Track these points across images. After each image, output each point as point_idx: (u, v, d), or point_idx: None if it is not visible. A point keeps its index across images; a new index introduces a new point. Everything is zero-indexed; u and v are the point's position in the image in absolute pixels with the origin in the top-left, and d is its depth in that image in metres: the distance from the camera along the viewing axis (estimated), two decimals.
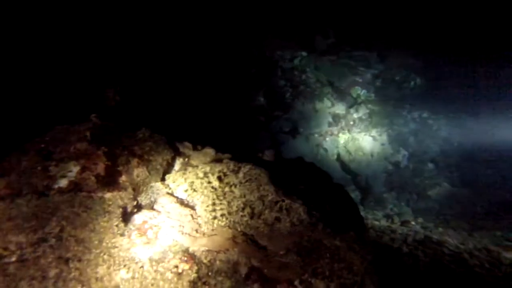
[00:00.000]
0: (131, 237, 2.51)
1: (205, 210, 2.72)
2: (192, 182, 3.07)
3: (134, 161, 3.08)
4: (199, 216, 2.71)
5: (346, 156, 16.48)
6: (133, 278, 2.21)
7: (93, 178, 2.71)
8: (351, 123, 17.38)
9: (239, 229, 2.66)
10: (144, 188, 3.08)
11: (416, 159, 17.04)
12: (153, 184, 3.18)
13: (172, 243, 2.53)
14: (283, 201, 2.68)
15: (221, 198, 2.78)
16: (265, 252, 2.60)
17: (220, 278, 2.43)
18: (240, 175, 2.83)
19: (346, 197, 4.25)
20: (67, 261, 2.22)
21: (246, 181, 2.78)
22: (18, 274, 2.08)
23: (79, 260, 2.24)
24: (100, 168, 2.81)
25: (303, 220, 2.75)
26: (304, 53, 17.50)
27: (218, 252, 2.57)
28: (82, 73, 3.83)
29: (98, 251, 2.32)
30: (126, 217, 2.69)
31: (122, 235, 2.51)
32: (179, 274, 2.34)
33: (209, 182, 2.94)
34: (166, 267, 2.36)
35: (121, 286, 2.15)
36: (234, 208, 2.70)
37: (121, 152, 3.04)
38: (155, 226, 2.62)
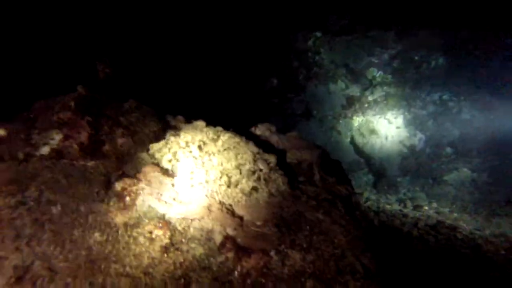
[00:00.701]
0: (110, 204, 2.53)
1: (183, 178, 2.70)
2: (175, 152, 3.04)
3: (119, 131, 3.08)
4: (177, 185, 2.69)
5: (360, 139, 16.07)
6: (106, 241, 2.24)
7: (75, 146, 2.74)
8: (366, 105, 16.82)
9: (216, 198, 2.62)
10: (129, 158, 3.09)
11: (434, 143, 16.33)
12: (139, 154, 3.18)
13: (148, 209, 2.54)
14: (261, 170, 2.60)
15: (200, 167, 2.74)
16: (241, 221, 2.56)
17: (193, 245, 2.43)
18: (219, 143, 2.77)
19: (342, 175, 4.11)
20: (42, 223, 2.27)
21: (225, 149, 2.72)
22: None
23: (54, 223, 2.29)
24: (84, 137, 2.83)
25: (283, 191, 2.67)
26: (318, 34, 16.87)
27: (193, 219, 2.56)
28: (73, 47, 3.84)
29: (75, 215, 2.36)
30: (107, 184, 2.71)
31: (101, 201, 2.54)
32: (152, 239, 2.36)
33: (190, 152, 2.90)
34: (139, 232, 2.37)
35: (93, 248, 2.19)
36: (212, 177, 2.65)
37: (106, 122, 3.05)
38: (134, 193, 2.63)
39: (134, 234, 2.35)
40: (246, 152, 2.64)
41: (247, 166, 2.59)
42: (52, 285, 2.03)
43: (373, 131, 16.28)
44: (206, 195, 2.65)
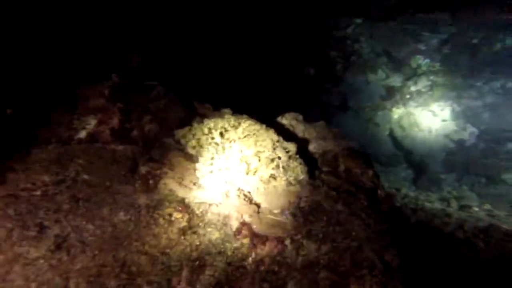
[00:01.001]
0: (135, 185, 2.71)
1: (204, 164, 2.78)
2: (199, 139, 3.14)
3: (147, 118, 3.25)
4: (198, 170, 2.78)
5: (399, 132, 15.14)
6: (130, 220, 2.41)
7: (107, 131, 2.96)
8: (408, 96, 15.73)
9: (234, 184, 2.66)
10: (156, 143, 3.25)
11: (491, 137, 14.77)
12: (165, 140, 3.33)
13: (169, 193, 2.66)
14: (279, 158, 2.58)
15: (220, 153, 2.79)
16: (258, 209, 2.58)
17: (209, 229, 2.51)
18: (239, 130, 2.79)
19: (369, 167, 3.92)
20: (77, 200, 2.51)
21: (245, 136, 2.73)
22: (39, 204, 2.43)
23: (87, 201, 2.52)
24: (115, 122, 3.04)
25: (301, 181, 2.63)
26: (358, 20, 15.98)
27: (211, 204, 2.64)
28: (107, 38, 4.10)
29: (104, 195, 2.56)
30: (134, 167, 2.89)
31: (127, 183, 2.72)
32: (171, 221, 2.48)
33: (213, 138, 2.97)
34: (160, 213, 2.51)
35: (118, 225, 2.37)
36: (231, 164, 2.70)
37: (135, 108, 3.23)
38: (157, 177, 2.78)
39: (155, 215, 2.49)
40: (265, 139, 2.63)
41: (266, 154, 2.59)
42: (83, 255, 2.24)
43: (414, 124, 15.23)
44: (226, 181, 2.70)
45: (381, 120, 16.20)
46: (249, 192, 2.65)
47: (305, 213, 2.59)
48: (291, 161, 2.58)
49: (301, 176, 2.58)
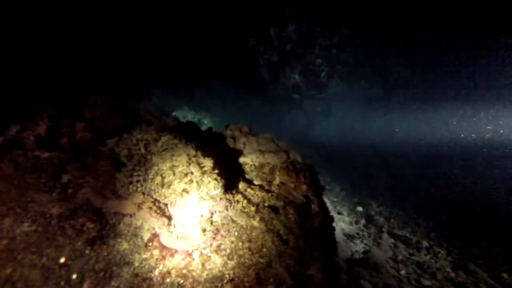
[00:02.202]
0: (53, 194, 2.71)
1: (125, 175, 2.80)
2: (130, 149, 3.16)
3: (80, 125, 3.26)
4: (118, 180, 2.81)
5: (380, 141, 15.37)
6: (34, 231, 2.42)
7: (32, 137, 2.96)
8: (389, 106, 16.02)
9: (151, 196, 2.70)
10: (89, 152, 3.26)
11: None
12: (99, 148, 3.35)
13: (85, 202, 2.68)
14: (192, 173, 2.62)
15: (141, 165, 2.83)
16: (170, 221, 2.62)
17: (119, 240, 2.54)
18: (159, 144, 2.83)
19: (305, 181, 3.99)
20: None
21: (163, 150, 2.77)
22: None
23: None
24: (42, 129, 3.04)
25: (214, 196, 2.68)
26: (345, 31, 16.21)
27: (125, 215, 2.67)
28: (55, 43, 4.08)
29: (12, 204, 2.56)
30: (57, 176, 2.90)
31: (46, 191, 2.73)
32: (81, 232, 2.50)
33: (139, 149, 3.00)
34: (71, 223, 2.53)
35: (17, 237, 2.37)
36: (150, 176, 2.73)
37: (68, 115, 3.24)
38: (78, 185, 2.79)
39: (66, 225, 2.50)
40: (181, 154, 2.67)
41: (180, 168, 2.63)
42: None
43: (395, 133, 15.49)
44: (143, 193, 2.73)
45: (363, 128, 16.44)
46: (163, 205, 2.69)
47: (216, 228, 2.64)
48: (205, 176, 2.63)
49: (214, 191, 2.63)
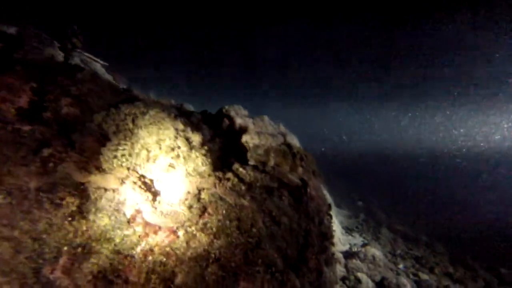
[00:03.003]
0: (31, 168, 2.58)
1: (109, 149, 2.67)
2: (118, 125, 3.03)
3: (66, 100, 3.12)
4: (103, 155, 2.67)
5: None
6: (8, 204, 2.28)
7: (12, 110, 2.81)
8: None
9: (136, 171, 2.56)
10: (75, 127, 3.12)
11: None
12: (87, 124, 3.20)
13: (66, 176, 2.55)
14: (179, 148, 2.48)
15: (127, 139, 2.69)
16: (155, 197, 2.48)
17: (100, 215, 2.41)
18: (146, 117, 2.68)
19: (301, 164, 3.85)
20: None
21: (150, 123, 2.63)
22: None
23: None
24: (24, 101, 2.89)
25: (202, 172, 2.54)
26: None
27: (107, 190, 2.53)
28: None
29: None
30: (39, 149, 2.76)
31: (24, 165, 2.59)
32: (59, 206, 2.37)
33: (127, 124, 2.86)
34: (49, 197, 2.39)
35: None
36: (135, 150, 2.59)
37: (54, 90, 3.10)
38: (60, 160, 2.66)
39: (43, 199, 2.37)
40: (169, 128, 2.52)
41: (167, 142, 2.48)
42: None
43: None
44: (128, 168, 2.60)
45: None
46: (149, 180, 2.55)
47: (203, 205, 2.50)
48: (193, 151, 2.48)
49: (202, 168, 2.48)
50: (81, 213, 2.39)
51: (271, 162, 3.48)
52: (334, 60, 16.54)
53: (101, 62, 3.95)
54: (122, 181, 2.50)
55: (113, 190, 2.52)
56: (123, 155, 2.60)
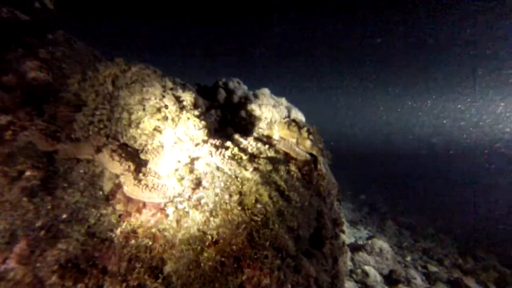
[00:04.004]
0: None
1: (85, 114, 2.20)
2: (97, 90, 2.57)
3: (32, 63, 2.65)
4: (77, 122, 2.21)
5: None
6: None
7: None
8: None
9: (117, 139, 2.10)
10: (45, 94, 2.66)
11: None
12: (62, 93, 2.73)
13: (28, 146, 2.08)
14: (166, 107, 2.02)
15: (106, 102, 2.22)
16: (138, 168, 2.02)
17: (70, 190, 1.95)
18: (128, 75, 2.22)
19: (309, 138, 3.40)
20: None
21: (132, 82, 2.17)
22: None
23: None
24: None
25: (194, 137, 2.08)
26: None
27: (80, 161, 2.07)
28: None
29: None
30: None
31: None
32: (16, 180, 1.91)
33: (107, 88, 2.40)
34: (4, 170, 1.93)
35: None
36: (116, 115, 2.13)
37: (16, 50, 2.62)
38: (22, 128, 2.19)
39: None
40: (154, 85, 2.06)
41: (152, 102, 2.02)
42: None
43: None
44: (108, 135, 2.13)
45: None
46: (131, 149, 2.09)
47: (197, 177, 2.04)
48: (183, 112, 2.02)
49: (195, 132, 2.02)
50: (46, 188, 1.92)
51: (275, 135, 3.03)
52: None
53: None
54: (99, 150, 2.03)
55: (87, 161, 2.06)
56: (100, 120, 2.14)
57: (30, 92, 2.60)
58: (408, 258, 9.57)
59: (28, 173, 1.93)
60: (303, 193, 2.52)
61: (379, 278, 7.62)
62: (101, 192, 1.96)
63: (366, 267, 8.00)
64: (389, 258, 8.88)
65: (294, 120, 3.45)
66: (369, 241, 9.27)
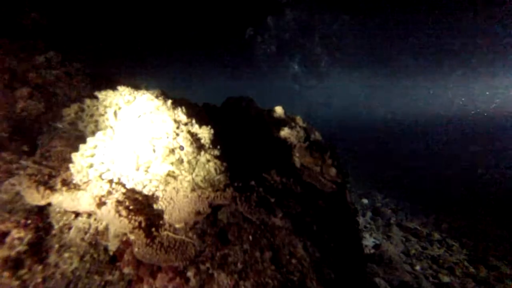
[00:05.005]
0: None
1: (83, 155, 1.87)
2: (97, 121, 2.25)
3: (24, 91, 2.31)
4: (74, 164, 1.87)
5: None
6: None
7: None
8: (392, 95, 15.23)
9: (125, 185, 1.77)
10: (37, 127, 2.32)
11: None
12: (56, 123, 2.40)
13: (15, 198, 1.74)
14: (182, 149, 1.70)
15: (109, 139, 1.90)
16: (151, 222, 1.69)
17: (67, 255, 1.61)
18: (134, 106, 1.90)
19: (332, 164, 3.10)
20: None
21: (139, 116, 1.84)
22: None
23: None
24: None
25: (215, 182, 1.76)
26: (346, 17, 15.26)
27: (79, 215, 1.74)
28: None
29: None
30: None
31: None
32: None
33: (107, 119, 2.08)
34: None
35: None
36: (119, 154, 1.80)
37: (3, 77, 2.29)
38: (4, 174, 1.86)
39: None
40: (166, 121, 1.74)
41: (164, 142, 1.70)
42: None
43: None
44: (111, 180, 1.80)
45: (366, 117, 15.63)
46: (141, 196, 1.76)
47: (220, 230, 1.72)
48: (201, 153, 1.70)
49: (216, 176, 1.70)
50: (36, 254, 1.58)
51: (297, 163, 2.72)
52: None
53: None
54: (101, 201, 1.70)
55: (88, 215, 1.73)
56: (102, 163, 1.81)
57: (19, 125, 2.27)
58: (418, 268, 9.29)
59: (13, 234, 1.59)
60: (335, 234, 2.21)
61: None
62: (105, 254, 1.62)
63: (376, 279, 7.72)
64: (399, 269, 8.59)
65: (314, 143, 3.15)
66: (377, 251, 9.00)
